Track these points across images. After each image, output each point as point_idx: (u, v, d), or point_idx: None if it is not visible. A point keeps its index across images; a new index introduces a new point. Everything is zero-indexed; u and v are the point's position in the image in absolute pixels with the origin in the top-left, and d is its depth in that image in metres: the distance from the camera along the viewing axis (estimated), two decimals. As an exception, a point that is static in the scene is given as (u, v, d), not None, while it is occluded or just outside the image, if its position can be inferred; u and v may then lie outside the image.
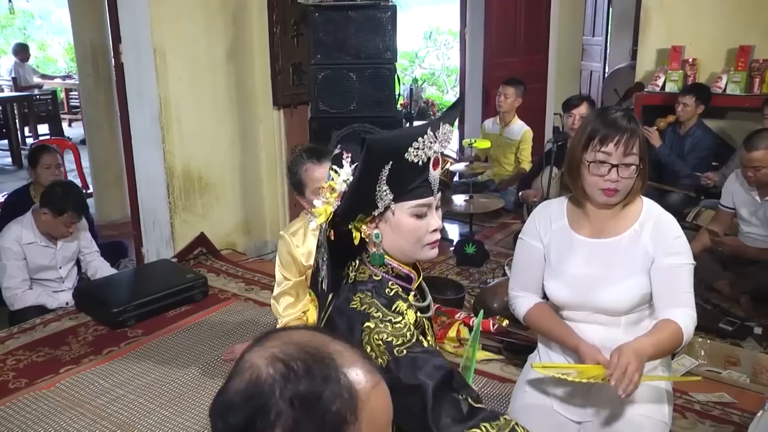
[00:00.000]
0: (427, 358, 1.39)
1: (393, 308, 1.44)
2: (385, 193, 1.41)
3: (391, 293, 1.47)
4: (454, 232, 4.81)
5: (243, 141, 4.30)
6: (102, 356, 3.03)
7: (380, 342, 1.39)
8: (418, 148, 1.40)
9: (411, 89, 8.48)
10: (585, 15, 7.13)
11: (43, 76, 9.63)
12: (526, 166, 5.12)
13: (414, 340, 1.40)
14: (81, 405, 2.63)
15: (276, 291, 2.68)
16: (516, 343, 2.89)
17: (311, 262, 2.61)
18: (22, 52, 9.11)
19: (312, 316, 2.71)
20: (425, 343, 1.44)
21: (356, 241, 1.48)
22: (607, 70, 7.53)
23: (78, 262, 3.71)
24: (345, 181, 1.45)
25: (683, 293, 1.90)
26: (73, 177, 6.01)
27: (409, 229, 1.46)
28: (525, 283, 2.14)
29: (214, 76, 4.10)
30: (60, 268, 3.58)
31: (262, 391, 0.83)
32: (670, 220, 2.00)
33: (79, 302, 3.48)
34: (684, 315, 1.85)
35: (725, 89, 4.40)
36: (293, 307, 2.66)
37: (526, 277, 2.13)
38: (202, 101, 4.05)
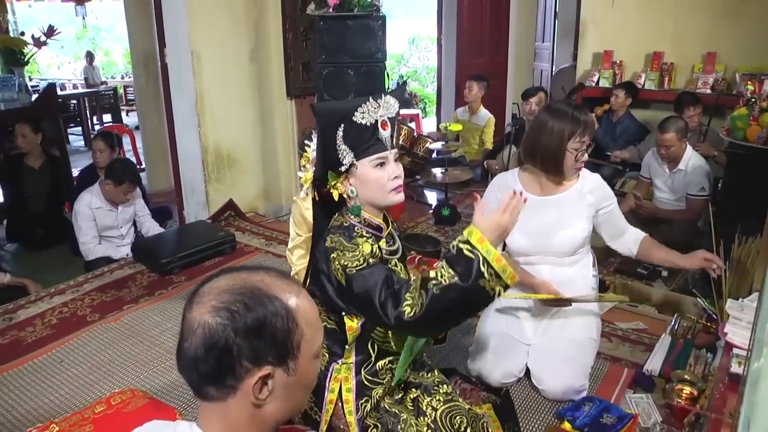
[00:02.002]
0: (372, 271, 1.39)
1: (351, 242, 1.44)
2: (345, 151, 1.41)
3: (356, 235, 1.47)
4: (432, 198, 4.79)
5: (262, 125, 4.25)
6: (154, 297, 3.04)
7: (339, 266, 1.40)
8: (363, 112, 1.40)
9: (398, 84, 8.37)
10: (536, 25, 7.03)
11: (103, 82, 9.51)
12: (489, 146, 5.10)
13: (365, 264, 1.40)
14: (139, 335, 2.65)
15: (290, 245, 2.66)
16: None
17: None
18: (89, 57, 9.05)
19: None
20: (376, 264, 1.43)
21: (336, 198, 1.48)
22: (554, 69, 7.45)
23: (134, 223, 3.69)
24: (314, 150, 1.46)
25: (624, 220, 2.14)
26: (130, 155, 5.96)
27: (373, 179, 1.45)
28: None
29: (239, 72, 4.04)
30: (121, 227, 3.57)
31: (218, 338, 0.82)
32: (600, 179, 2.12)
33: (136, 254, 3.47)
34: (635, 230, 2.15)
35: (644, 85, 4.44)
36: (304, 258, 2.64)
37: None
38: (229, 93, 3.99)
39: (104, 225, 3.48)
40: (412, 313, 1.29)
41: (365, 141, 1.42)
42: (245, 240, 3.80)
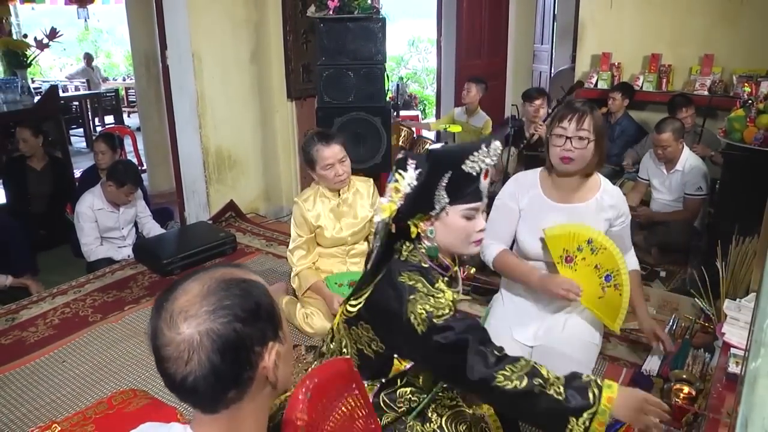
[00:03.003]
0: (464, 326, 1.30)
1: (435, 286, 1.37)
2: (442, 197, 1.35)
3: (435, 280, 1.39)
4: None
5: (263, 126, 4.25)
6: (156, 297, 3.02)
7: (423, 312, 1.29)
8: (474, 161, 1.33)
9: (398, 85, 8.36)
10: (535, 27, 7.04)
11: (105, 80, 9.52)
12: (487, 147, 5.09)
13: (450, 314, 1.32)
14: (140, 335, 2.65)
15: (291, 245, 2.67)
16: (481, 287, 2.89)
17: (319, 222, 2.60)
18: (87, 58, 9.06)
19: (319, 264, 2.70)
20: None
21: (413, 236, 1.41)
22: (552, 71, 7.45)
23: (135, 224, 3.69)
24: (409, 184, 1.35)
25: (630, 241, 2.11)
26: (131, 157, 5.95)
27: (460, 227, 1.39)
28: (497, 234, 2.10)
29: (240, 74, 4.03)
30: (122, 228, 3.57)
31: (229, 336, 0.81)
32: (620, 193, 2.05)
33: (138, 255, 3.47)
34: (634, 257, 2.15)
35: (642, 87, 4.44)
36: (305, 258, 2.65)
37: (499, 229, 2.09)
38: (230, 95, 3.99)
39: (106, 226, 3.48)
40: (502, 385, 1.25)
41: (464, 188, 1.36)
42: (246, 241, 3.80)
